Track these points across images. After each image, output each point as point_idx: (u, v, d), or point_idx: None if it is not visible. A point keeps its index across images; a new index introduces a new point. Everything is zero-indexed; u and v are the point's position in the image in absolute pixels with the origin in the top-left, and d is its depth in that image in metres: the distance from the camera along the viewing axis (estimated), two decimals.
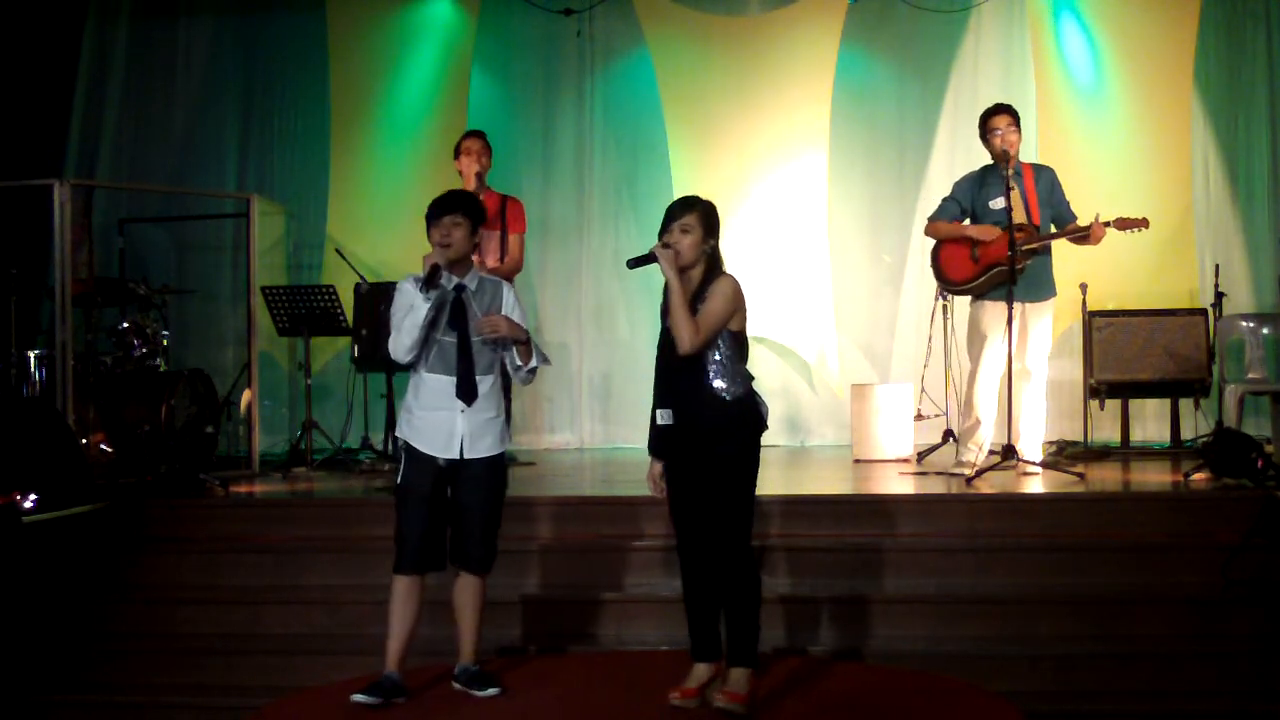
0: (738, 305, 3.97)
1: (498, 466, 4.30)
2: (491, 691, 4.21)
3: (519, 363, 4.24)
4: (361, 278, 7.51)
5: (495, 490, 4.29)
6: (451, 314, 4.18)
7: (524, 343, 4.22)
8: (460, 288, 4.22)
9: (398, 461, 4.32)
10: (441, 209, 4.22)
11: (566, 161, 9.21)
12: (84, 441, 6.74)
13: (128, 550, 5.72)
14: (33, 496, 5.59)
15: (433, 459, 4.18)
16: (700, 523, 4.00)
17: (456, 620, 4.32)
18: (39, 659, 5.10)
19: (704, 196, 4.12)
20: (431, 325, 4.15)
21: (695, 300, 3.94)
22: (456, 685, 4.27)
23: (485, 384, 4.22)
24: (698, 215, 3.98)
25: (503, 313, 4.25)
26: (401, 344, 4.15)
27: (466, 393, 4.18)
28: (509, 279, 6.70)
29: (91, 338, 7.26)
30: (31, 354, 7.13)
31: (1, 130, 8.44)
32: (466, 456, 4.18)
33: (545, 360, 4.34)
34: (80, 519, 5.73)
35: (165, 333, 7.53)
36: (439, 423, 4.18)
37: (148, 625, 5.38)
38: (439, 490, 4.21)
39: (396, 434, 4.32)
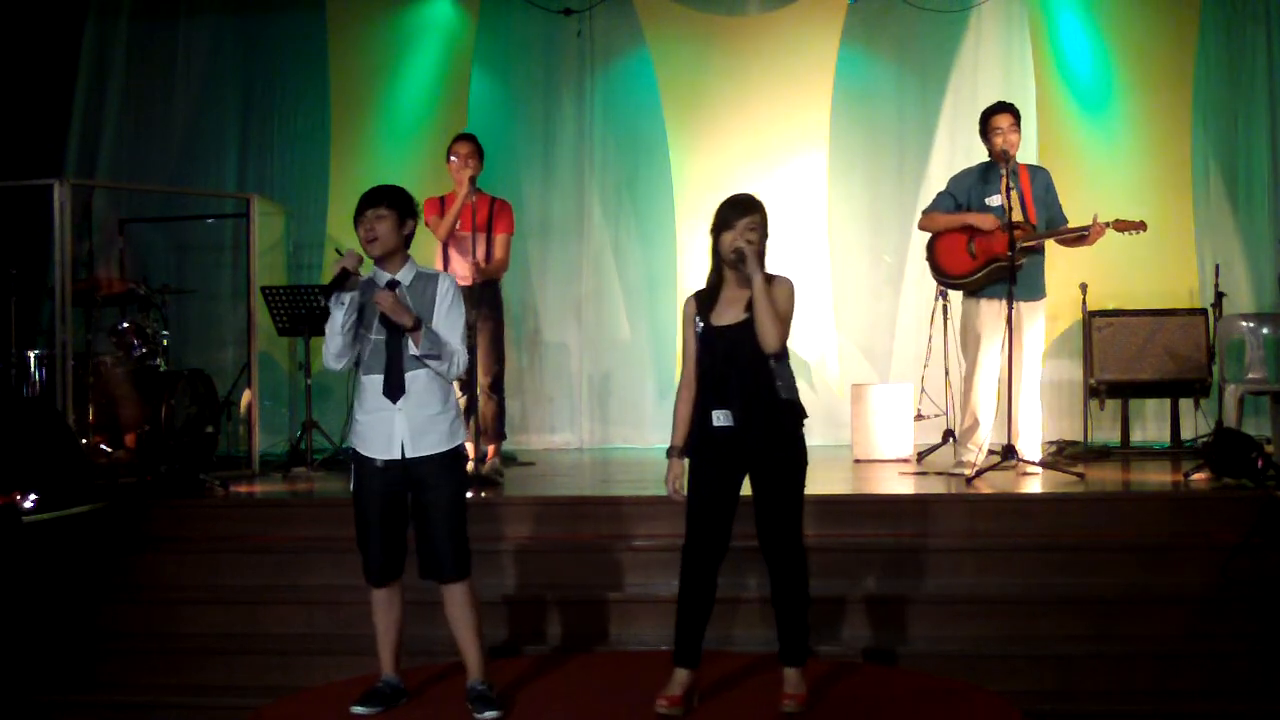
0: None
1: (451, 464, 4.10)
2: (490, 715, 3.98)
3: (413, 350, 4.01)
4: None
5: (452, 489, 4.08)
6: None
7: (412, 329, 3.96)
8: (394, 284, 4.06)
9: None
10: (364, 204, 4.09)
11: (566, 161, 9.21)
12: (84, 441, 6.76)
13: (128, 550, 5.72)
14: (33, 496, 5.59)
15: (373, 462, 4.05)
16: (726, 523, 3.99)
17: (454, 636, 4.13)
18: (39, 659, 5.10)
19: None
20: (364, 325, 4.03)
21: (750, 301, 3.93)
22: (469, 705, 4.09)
23: (419, 379, 4.04)
24: (763, 215, 3.98)
25: (435, 304, 4.08)
26: (328, 351, 4.05)
27: (392, 388, 4.02)
28: (495, 279, 6.74)
29: (91, 338, 7.27)
30: (31, 354, 7.15)
31: (1, 130, 8.44)
32: (409, 455, 4.02)
33: (434, 352, 3.99)
34: (80, 519, 5.73)
35: (165, 333, 7.54)
36: (378, 424, 4.05)
37: (148, 625, 5.38)
38: (391, 496, 4.07)
39: (348, 444, 4.17)
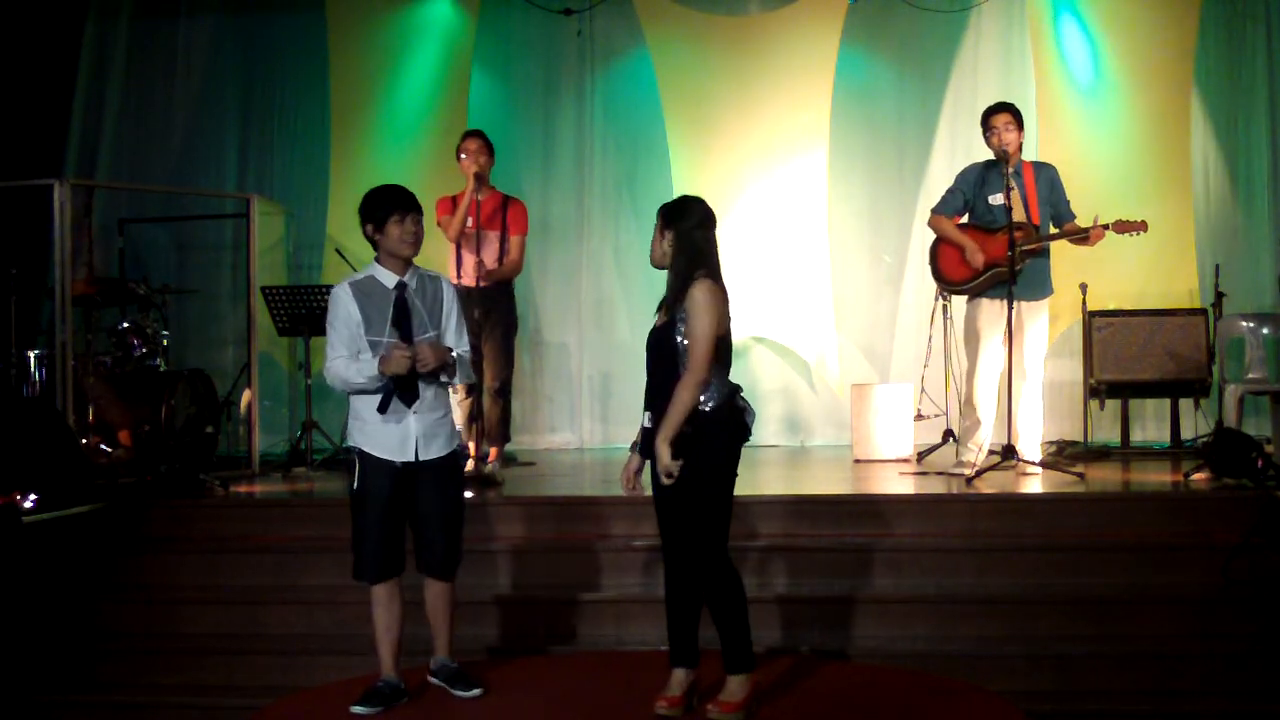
0: (718, 311, 3.85)
1: (452, 467, 4.26)
2: (475, 692, 4.15)
3: (444, 379, 4.16)
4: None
5: (454, 492, 4.26)
6: (395, 314, 4.09)
7: (451, 365, 4.13)
8: (401, 285, 4.12)
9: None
10: (407, 205, 4.13)
11: (566, 161, 9.21)
12: (84, 441, 6.75)
13: (128, 550, 5.72)
14: (33, 496, 5.60)
15: (389, 463, 4.11)
16: (676, 526, 3.95)
17: (430, 621, 4.27)
18: (39, 659, 5.10)
19: (706, 196, 4.08)
20: (374, 331, 4.07)
21: (678, 299, 3.88)
22: (434, 680, 4.26)
23: (430, 385, 4.13)
24: (660, 216, 3.97)
25: (444, 308, 4.18)
26: (344, 384, 4.07)
27: (408, 396, 4.09)
28: (509, 280, 6.74)
29: (91, 338, 7.26)
30: (31, 354, 7.14)
31: (1, 130, 8.44)
32: (421, 458, 4.12)
33: (470, 377, 4.40)
34: (80, 519, 5.73)
35: (165, 333, 7.54)
36: (394, 427, 4.10)
37: (148, 625, 5.38)
38: (397, 494, 4.13)
39: (349, 442, 4.21)
